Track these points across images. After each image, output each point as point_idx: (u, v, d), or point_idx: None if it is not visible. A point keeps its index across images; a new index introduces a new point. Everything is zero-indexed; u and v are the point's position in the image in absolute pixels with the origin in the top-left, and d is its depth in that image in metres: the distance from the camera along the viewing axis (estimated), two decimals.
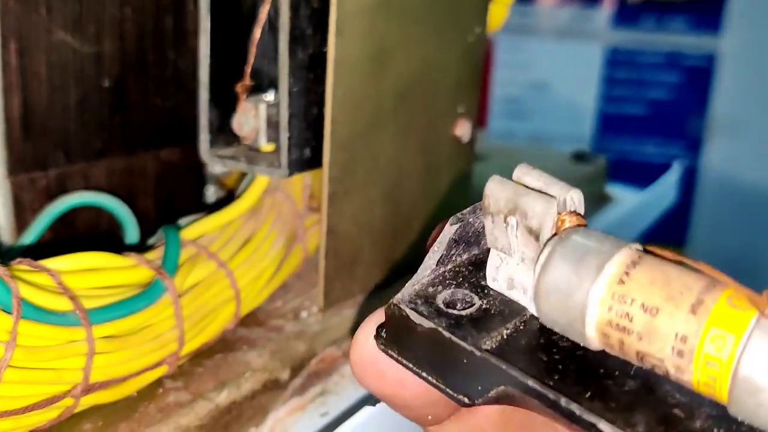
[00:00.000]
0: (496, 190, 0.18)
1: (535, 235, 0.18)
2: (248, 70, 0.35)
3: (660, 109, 1.17)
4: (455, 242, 0.20)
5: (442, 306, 0.19)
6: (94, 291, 0.28)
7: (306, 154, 0.34)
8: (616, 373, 0.17)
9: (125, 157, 0.38)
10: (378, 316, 0.20)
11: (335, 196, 0.34)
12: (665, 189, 0.71)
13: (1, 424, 0.25)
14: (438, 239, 0.20)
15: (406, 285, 0.19)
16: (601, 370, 0.17)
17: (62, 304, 0.26)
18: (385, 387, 0.21)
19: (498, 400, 0.18)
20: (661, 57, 1.16)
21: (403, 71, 0.37)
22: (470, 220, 0.20)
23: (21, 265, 0.27)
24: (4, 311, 0.25)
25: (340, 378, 0.34)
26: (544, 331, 0.18)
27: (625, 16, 1.17)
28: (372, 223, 0.37)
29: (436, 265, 0.20)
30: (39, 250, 0.32)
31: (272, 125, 0.35)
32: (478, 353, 0.17)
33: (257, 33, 0.35)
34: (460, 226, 0.20)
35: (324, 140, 0.33)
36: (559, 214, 0.18)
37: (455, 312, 0.19)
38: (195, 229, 0.33)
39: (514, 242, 0.18)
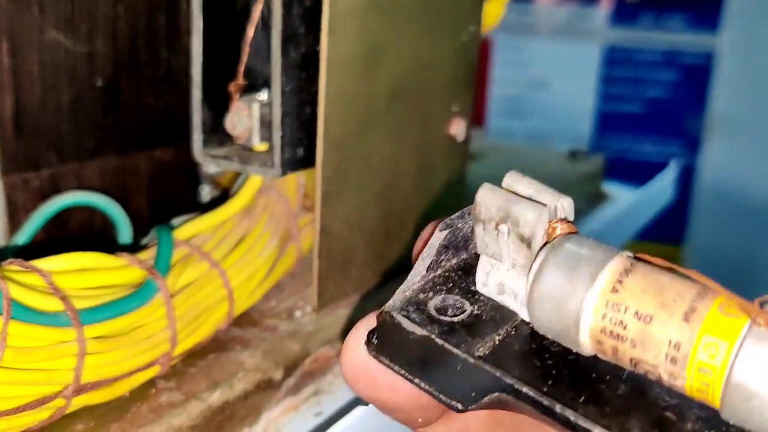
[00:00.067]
0: (487, 198, 0.18)
1: (527, 242, 0.18)
2: (241, 69, 0.35)
3: (658, 108, 1.17)
4: (445, 248, 0.20)
5: (433, 312, 0.19)
6: (85, 291, 0.28)
7: (299, 154, 0.34)
8: (608, 377, 0.17)
9: (118, 157, 0.38)
10: (368, 322, 0.20)
11: (328, 196, 0.34)
12: (662, 187, 0.70)
13: None
14: (428, 245, 0.20)
15: (397, 292, 0.20)
16: (594, 375, 0.17)
17: (53, 304, 0.26)
18: (377, 392, 0.21)
19: (491, 406, 0.18)
20: (659, 55, 1.16)
21: (396, 70, 0.37)
22: (459, 225, 0.20)
23: (12, 266, 0.27)
24: None
25: (334, 378, 0.34)
26: (536, 336, 0.18)
27: (623, 15, 1.17)
28: (366, 223, 0.37)
29: (426, 271, 0.20)
30: (32, 251, 0.32)
31: (265, 124, 0.35)
32: (471, 360, 0.18)
33: (250, 32, 0.35)
34: (449, 232, 0.20)
35: (317, 139, 0.33)
36: (550, 221, 0.18)
37: (447, 318, 0.19)
38: (188, 228, 0.33)
39: (505, 249, 0.18)
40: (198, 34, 0.34)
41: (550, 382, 0.17)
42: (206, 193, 0.43)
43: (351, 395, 0.33)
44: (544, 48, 1.19)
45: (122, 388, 0.29)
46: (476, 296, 0.20)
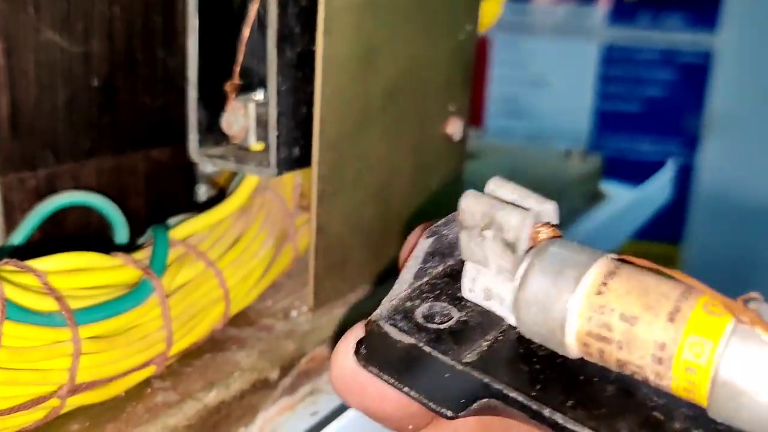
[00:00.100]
0: (471, 205, 0.19)
1: (512, 247, 0.18)
2: (237, 68, 0.35)
3: (656, 107, 1.17)
4: (431, 255, 0.21)
5: (420, 320, 0.19)
6: (81, 291, 0.28)
7: (295, 153, 0.34)
8: (596, 379, 0.17)
9: (115, 157, 0.38)
10: (357, 331, 0.21)
11: (324, 196, 0.34)
12: (659, 187, 0.70)
13: None
14: (413, 253, 0.20)
15: (384, 300, 0.20)
16: (581, 377, 0.17)
17: (48, 304, 0.26)
18: (367, 401, 0.21)
19: (481, 412, 0.18)
20: (658, 54, 1.16)
21: (392, 69, 0.37)
22: (444, 232, 0.21)
23: (7, 266, 0.27)
24: None
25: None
26: (523, 341, 0.18)
27: (621, 14, 1.17)
28: (362, 222, 0.37)
29: (413, 279, 0.20)
30: (28, 251, 0.32)
31: (261, 124, 0.35)
32: (459, 367, 0.18)
33: (246, 32, 0.35)
34: (435, 239, 0.20)
35: (313, 139, 0.33)
36: (534, 226, 0.18)
37: (434, 326, 0.19)
38: (184, 228, 0.33)
39: (490, 255, 0.18)
40: (194, 33, 0.34)
41: (538, 387, 0.17)
42: (203, 192, 0.43)
43: None
44: (542, 47, 1.19)
45: (118, 388, 0.29)
46: (463, 303, 0.20)
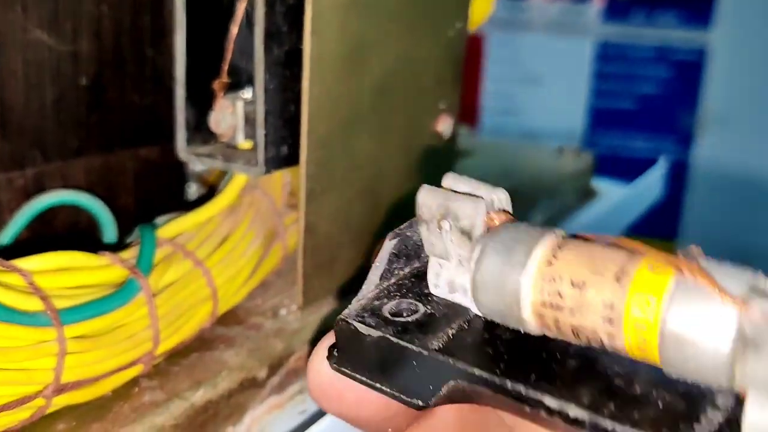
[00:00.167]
0: (427, 198, 0.19)
1: (468, 235, 0.19)
2: (225, 67, 0.35)
3: (651, 104, 1.17)
4: (395, 256, 0.21)
5: (388, 316, 0.20)
6: (67, 291, 0.28)
7: (283, 152, 0.34)
8: (558, 355, 0.18)
9: (104, 156, 0.37)
10: (329, 339, 0.21)
11: (313, 194, 0.34)
12: (651, 183, 0.71)
13: None
14: (378, 255, 0.21)
15: (352, 302, 0.20)
16: (544, 355, 0.18)
17: (33, 304, 0.26)
18: (344, 407, 0.21)
19: (450, 398, 0.18)
20: (652, 51, 1.16)
21: (381, 67, 0.37)
22: (408, 233, 0.21)
23: None
24: None
25: None
26: (488, 328, 0.19)
27: (615, 11, 1.17)
28: (351, 221, 0.37)
29: (380, 280, 0.21)
30: (16, 250, 0.32)
31: (250, 122, 0.35)
32: (426, 353, 0.18)
33: (234, 30, 0.35)
34: (398, 241, 0.21)
35: (301, 138, 0.33)
36: (488, 213, 0.19)
37: (401, 320, 0.19)
38: (172, 227, 0.33)
39: (449, 246, 0.19)
40: (181, 31, 0.34)
41: (502, 365, 0.17)
42: (193, 191, 0.43)
43: None
44: (537, 45, 1.19)
45: (104, 388, 0.29)
46: (430, 298, 0.20)
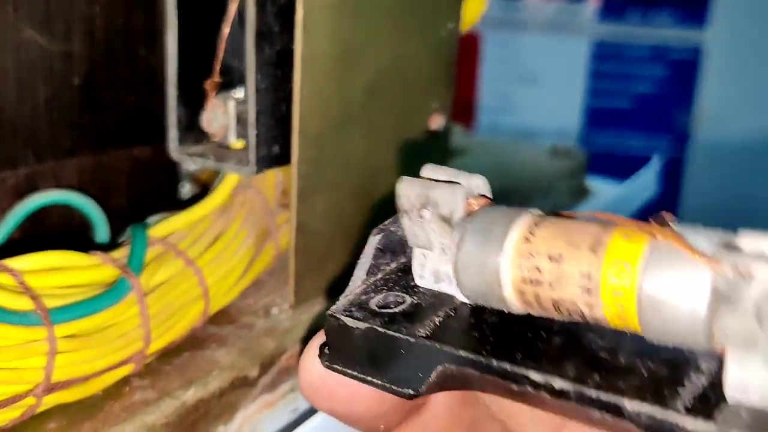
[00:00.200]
0: (407, 189, 0.20)
1: (449, 222, 0.19)
2: (217, 66, 0.35)
3: (647, 103, 1.17)
4: (381, 251, 0.21)
5: (375, 308, 0.20)
6: (58, 290, 0.28)
7: (274, 151, 0.34)
8: (543, 334, 0.18)
9: (96, 155, 0.37)
10: (320, 338, 0.21)
11: (305, 193, 0.34)
12: (644, 182, 0.71)
13: None
14: (364, 251, 0.21)
15: (340, 298, 0.20)
16: (529, 334, 0.18)
17: (23, 303, 0.26)
18: (337, 405, 0.22)
19: (440, 384, 0.18)
20: (648, 51, 1.16)
21: (373, 67, 0.37)
22: (392, 229, 0.21)
23: None
24: None
25: None
26: (474, 314, 0.19)
27: (611, 11, 1.17)
28: (343, 220, 0.37)
29: (366, 276, 0.21)
30: (9, 249, 0.32)
31: (242, 122, 0.35)
32: (413, 340, 0.18)
33: (226, 30, 0.35)
34: (383, 236, 0.21)
35: (292, 137, 0.33)
36: (467, 199, 0.19)
37: (388, 311, 0.20)
38: (164, 226, 0.33)
39: (432, 235, 0.19)
40: (172, 31, 0.34)
41: (488, 347, 0.18)
42: (187, 190, 0.43)
43: None
44: (533, 44, 1.19)
45: (95, 387, 0.29)
46: (416, 290, 0.20)
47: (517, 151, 0.65)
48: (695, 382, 0.16)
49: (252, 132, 0.33)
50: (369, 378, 0.19)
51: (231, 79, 0.36)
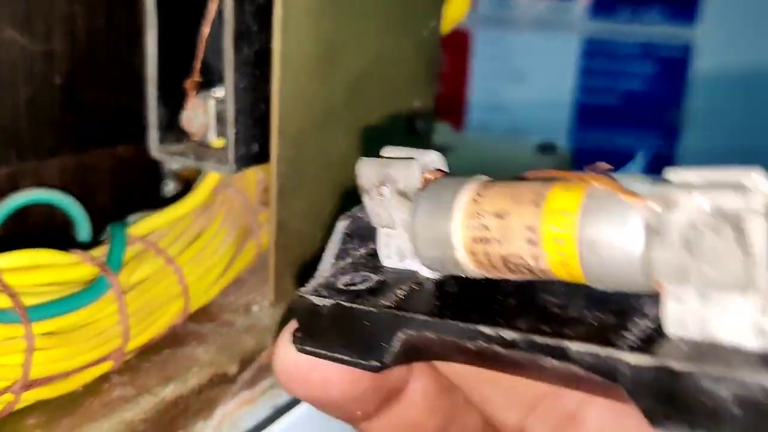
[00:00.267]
0: (365, 168, 0.20)
1: (407, 196, 0.20)
2: (197, 66, 0.35)
3: (637, 100, 1.18)
4: (348, 237, 0.22)
5: (342, 287, 0.20)
6: (37, 288, 0.28)
7: (253, 150, 0.34)
8: (499, 297, 0.19)
9: (78, 154, 0.38)
10: (293, 326, 0.21)
11: (284, 192, 0.34)
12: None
13: None
14: (332, 236, 0.21)
15: (310, 281, 0.21)
16: (486, 298, 0.19)
17: (1, 301, 0.27)
18: (312, 390, 0.22)
19: (405, 355, 0.19)
20: (638, 47, 1.17)
21: (355, 66, 0.37)
22: (359, 215, 0.22)
23: None
24: None
25: None
26: (437, 286, 0.20)
27: (601, 8, 1.17)
28: (323, 218, 0.37)
29: (335, 260, 0.22)
30: None
31: (222, 121, 0.35)
32: (375, 310, 0.19)
33: (206, 29, 0.35)
34: (350, 221, 0.22)
35: (272, 136, 0.33)
36: (423, 173, 0.20)
37: (354, 288, 0.20)
38: (144, 225, 0.34)
39: (393, 212, 0.20)
40: (152, 30, 0.35)
41: (447, 312, 0.18)
42: (170, 189, 0.43)
43: None
44: (523, 41, 1.19)
45: (74, 383, 0.29)
46: (383, 270, 0.21)
47: (503, 148, 0.66)
48: (640, 326, 0.16)
49: (231, 131, 0.33)
50: (338, 355, 0.20)
51: (211, 79, 0.36)
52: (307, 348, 0.20)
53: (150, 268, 0.32)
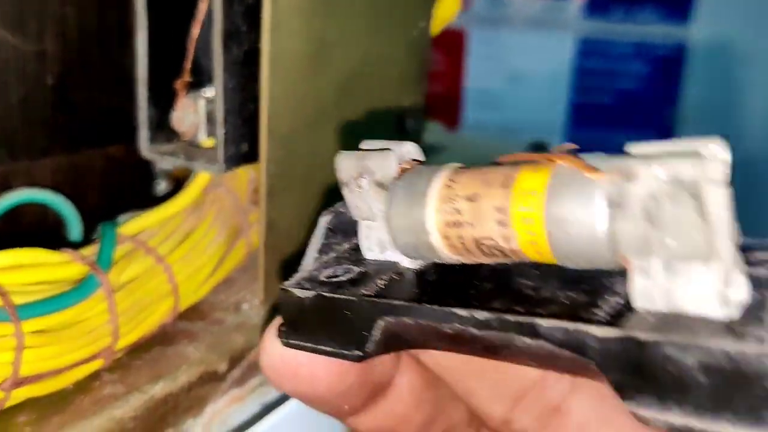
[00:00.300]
0: (344, 161, 0.21)
1: (384, 187, 0.20)
2: (187, 66, 0.36)
3: (632, 99, 1.18)
4: (331, 231, 0.22)
5: (324, 279, 0.21)
6: (27, 287, 0.29)
7: (243, 149, 0.34)
8: (476, 282, 0.19)
9: (71, 154, 0.38)
10: (279, 321, 0.21)
11: (274, 191, 0.34)
12: None
13: None
14: (315, 231, 0.21)
15: (294, 275, 0.21)
16: (463, 284, 0.19)
17: None
18: (299, 385, 0.22)
19: (385, 344, 0.19)
20: (633, 47, 1.17)
21: (345, 66, 0.37)
22: (341, 210, 0.22)
23: None
24: None
25: None
26: (416, 275, 0.20)
27: (596, 7, 1.17)
28: (313, 217, 0.37)
29: (318, 255, 0.22)
30: None
31: (212, 121, 0.35)
32: (355, 299, 0.19)
33: (196, 29, 0.35)
34: (333, 216, 0.22)
35: (261, 136, 0.33)
36: (400, 164, 0.20)
37: (336, 279, 0.20)
38: (135, 224, 0.34)
39: (371, 203, 0.20)
40: (142, 31, 0.35)
41: (424, 298, 0.19)
42: (162, 188, 0.44)
43: None
44: (518, 40, 1.20)
45: (65, 381, 0.29)
46: (365, 262, 0.21)
47: (497, 147, 0.66)
48: (611, 303, 0.17)
49: (220, 131, 0.33)
50: (322, 347, 0.20)
51: (202, 79, 0.36)
52: (292, 342, 0.21)
53: (140, 267, 0.32)
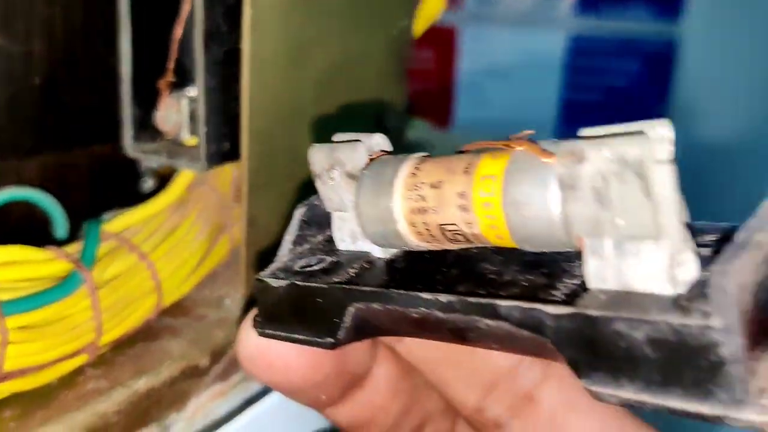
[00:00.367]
0: (316, 154, 0.21)
1: (354, 178, 0.21)
2: (170, 65, 0.36)
3: (622, 96, 1.19)
4: (306, 223, 0.23)
5: (297, 269, 0.21)
6: (11, 283, 0.29)
7: (225, 148, 0.35)
8: (443, 268, 0.20)
9: (58, 153, 0.38)
10: (255, 312, 0.22)
11: (255, 188, 0.35)
12: None
13: None
14: (290, 223, 0.22)
15: (269, 266, 0.22)
16: (430, 270, 0.20)
17: None
18: (274, 375, 0.22)
19: (356, 330, 0.20)
20: (624, 44, 1.18)
21: (324, 64, 0.38)
22: (316, 203, 0.23)
23: None
24: None
25: None
26: (387, 264, 0.21)
27: (586, 4, 1.18)
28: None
29: (293, 246, 0.22)
30: None
31: (195, 120, 0.36)
32: (325, 287, 0.20)
33: (179, 29, 0.36)
34: (307, 209, 0.23)
35: (241, 134, 0.34)
36: (369, 155, 0.21)
37: (309, 269, 0.21)
38: (118, 222, 0.34)
39: (343, 194, 0.21)
40: (126, 31, 0.35)
41: (392, 284, 0.19)
42: (149, 186, 0.44)
43: None
44: (509, 38, 1.20)
45: (49, 376, 0.30)
46: (339, 253, 0.22)
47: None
48: (568, 285, 0.17)
49: (202, 129, 0.34)
50: (295, 335, 0.21)
51: (185, 78, 0.37)
52: (267, 331, 0.21)
53: (123, 264, 0.33)
